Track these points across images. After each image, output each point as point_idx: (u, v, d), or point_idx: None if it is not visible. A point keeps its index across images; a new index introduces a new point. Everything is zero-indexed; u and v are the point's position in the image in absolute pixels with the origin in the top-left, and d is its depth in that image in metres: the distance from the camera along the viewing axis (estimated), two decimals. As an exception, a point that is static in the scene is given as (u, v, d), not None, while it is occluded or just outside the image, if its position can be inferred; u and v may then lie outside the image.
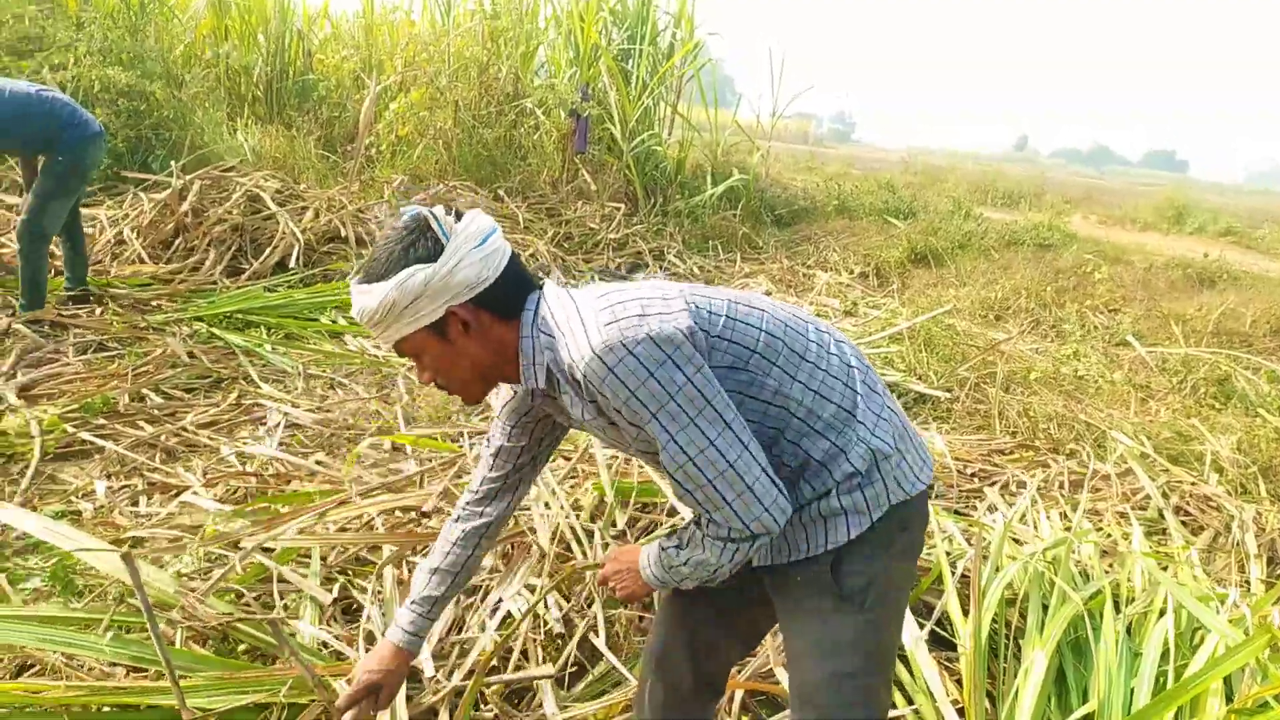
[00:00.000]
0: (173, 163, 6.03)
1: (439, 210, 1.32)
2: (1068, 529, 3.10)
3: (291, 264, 5.71)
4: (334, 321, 5.18)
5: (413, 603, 1.64)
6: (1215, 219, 14.44)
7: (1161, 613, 2.48)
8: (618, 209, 8.61)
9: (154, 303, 5.02)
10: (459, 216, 1.34)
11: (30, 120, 4.31)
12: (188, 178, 5.88)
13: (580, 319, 1.31)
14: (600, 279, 7.29)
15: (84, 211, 5.78)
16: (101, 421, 3.57)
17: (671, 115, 10.67)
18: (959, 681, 2.25)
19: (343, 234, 6.23)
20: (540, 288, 1.41)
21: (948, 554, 2.65)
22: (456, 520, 1.67)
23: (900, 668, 2.21)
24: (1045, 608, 2.46)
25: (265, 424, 3.78)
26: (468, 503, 1.67)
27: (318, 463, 3.42)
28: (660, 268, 7.88)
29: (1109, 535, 3.20)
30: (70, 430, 3.43)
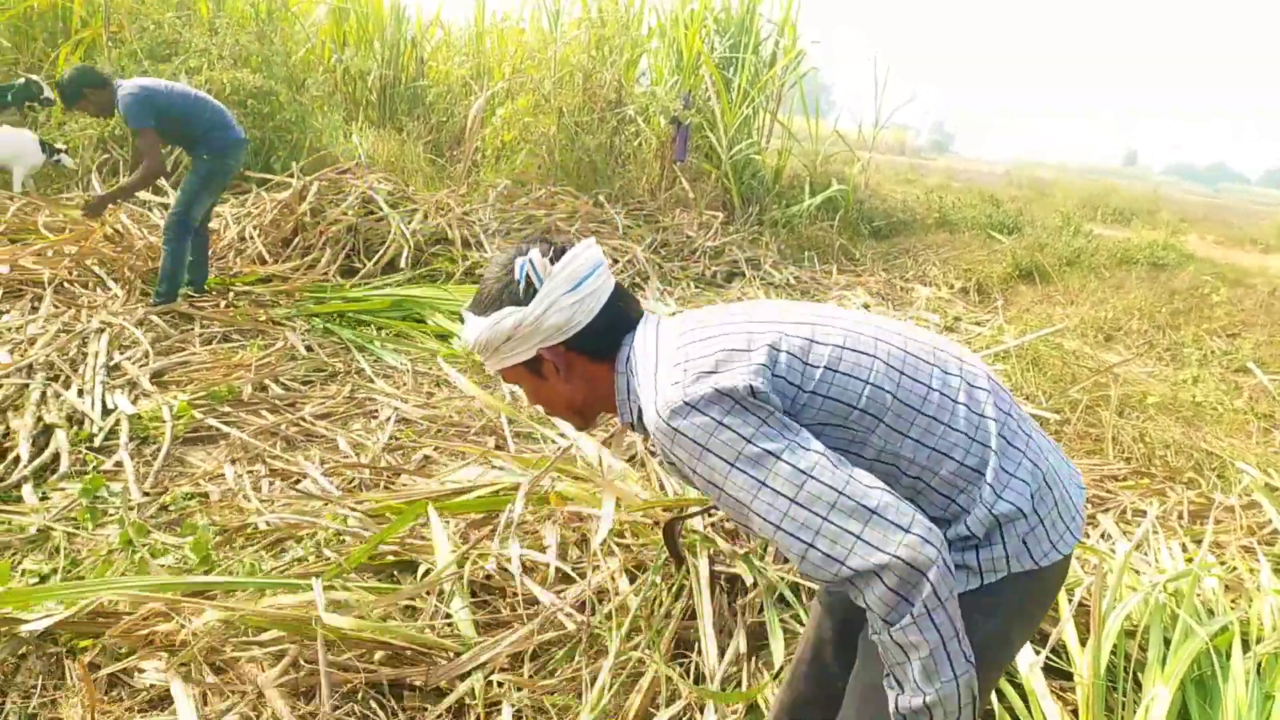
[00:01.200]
0: (294, 164, 6.31)
1: (535, 254, 1.29)
2: (1189, 561, 2.97)
3: (401, 264, 5.90)
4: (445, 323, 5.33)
5: None
6: (1346, 242, 13.62)
7: (1294, 654, 2.36)
8: (715, 217, 8.62)
9: (273, 298, 5.24)
10: (558, 256, 1.31)
11: (191, 120, 4.71)
12: (307, 179, 6.13)
13: (654, 375, 1.26)
14: (696, 286, 7.31)
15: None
16: (227, 409, 3.75)
17: (770, 124, 10.64)
18: (1074, 711, 2.19)
19: (449, 236, 6.40)
20: (635, 326, 1.37)
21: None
22: None
23: (1015, 696, 2.16)
24: (1167, 641, 2.36)
25: (377, 417, 3.92)
26: None
27: (425, 457, 3.53)
28: (757, 277, 7.86)
29: (1234, 570, 3.05)
30: (199, 416, 3.61)
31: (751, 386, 1.18)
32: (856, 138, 11.87)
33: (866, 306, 7.17)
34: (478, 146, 8.75)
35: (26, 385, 3.49)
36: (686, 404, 1.18)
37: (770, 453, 1.14)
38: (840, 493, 1.11)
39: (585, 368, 1.36)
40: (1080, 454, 4.44)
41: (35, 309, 4.46)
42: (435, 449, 3.61)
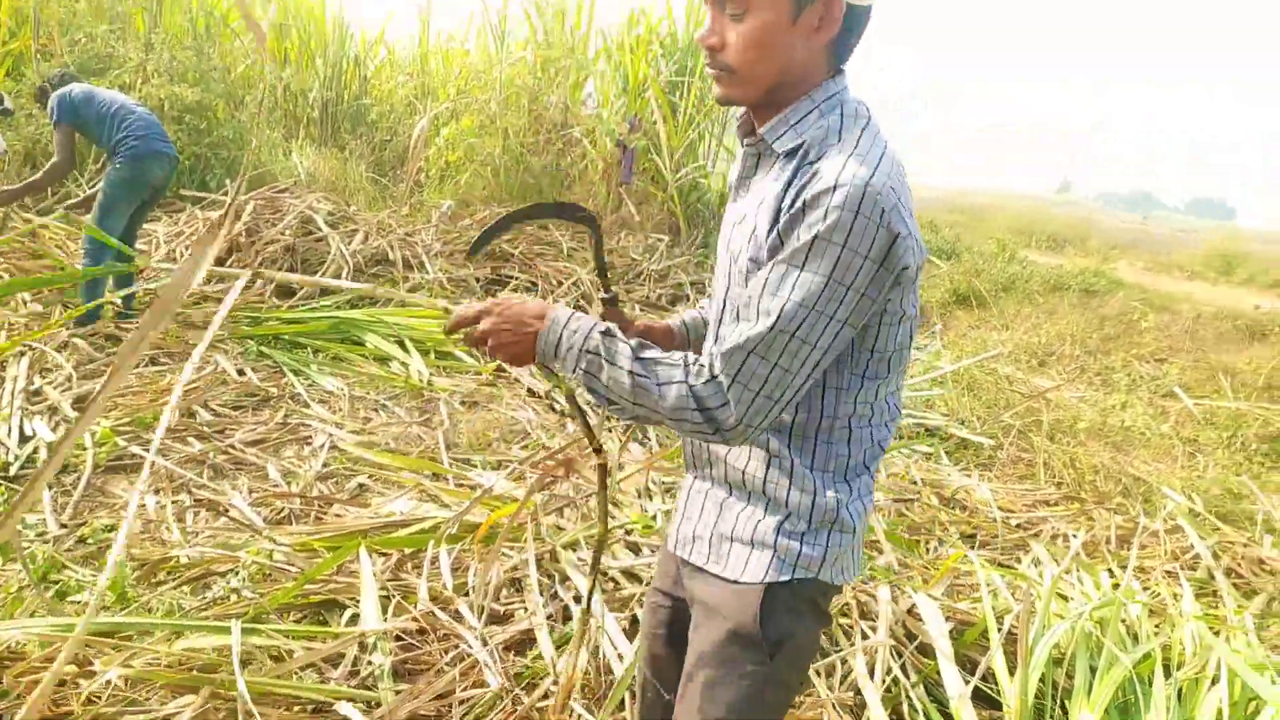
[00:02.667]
0: (228, 182, 6.18)
1: None
2: (1115, 586, 3.03)
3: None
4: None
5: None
6: (1266, 269, 14.16)
7: (1214, 680, 2.41)
8: (661, 240, 8.65)
9: (205, 319, 5.11)
10: None
11: (112, 123, 4.62)
12: (243, 197, 6.01)
13: (868, 142, 1.19)
14: (641, 309, 7.32)
15: (143, 227, 5.94)
16: (151, 436, 3.64)
17: (717, 148, 10.73)
18: (1003, 741, 2.21)
19: (390, 257, 6.32)
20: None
21: (993, 608, 2.60)
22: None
23: (944, 724, 2.18)
24: (1093, 669, 2.41)
25: (311, 444, 3.83)
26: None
27: (360, 486, 3.46)
28: (701, 301, 7.89)
29: (1157, 595, 3.13)
30: (121, 444, 3.50)
31: (910, 265, 1.17)
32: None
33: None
34: (421, 166, 8.67)
35: (-63, 412, 3.35)
36: (879, 204, 1.11)
37: (835, 273, 1.12)
38: (802, 342, 1.14)
39: (823, 50, 1.23)
40: (1013, 479, 4.53)
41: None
42: (370, 477, 3.54)
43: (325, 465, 3.62)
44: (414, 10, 9.82)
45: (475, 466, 3.77)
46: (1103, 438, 5.19)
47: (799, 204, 1.14)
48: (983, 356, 5.96)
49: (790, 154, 1.23)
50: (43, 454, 3.30)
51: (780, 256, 1.15)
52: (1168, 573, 3.40)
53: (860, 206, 1.10)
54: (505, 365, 1.34)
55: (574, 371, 1.20)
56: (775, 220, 1.19)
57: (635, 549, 2.76)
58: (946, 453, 4.82)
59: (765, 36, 1.18)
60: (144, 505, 3.05)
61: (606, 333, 1.20)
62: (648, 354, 1.19)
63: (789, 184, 1.19)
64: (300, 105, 9.47)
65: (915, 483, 4.12)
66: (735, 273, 1.29)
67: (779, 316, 1.13)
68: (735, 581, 1.31)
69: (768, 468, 1.30)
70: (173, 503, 3.10)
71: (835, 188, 1.11)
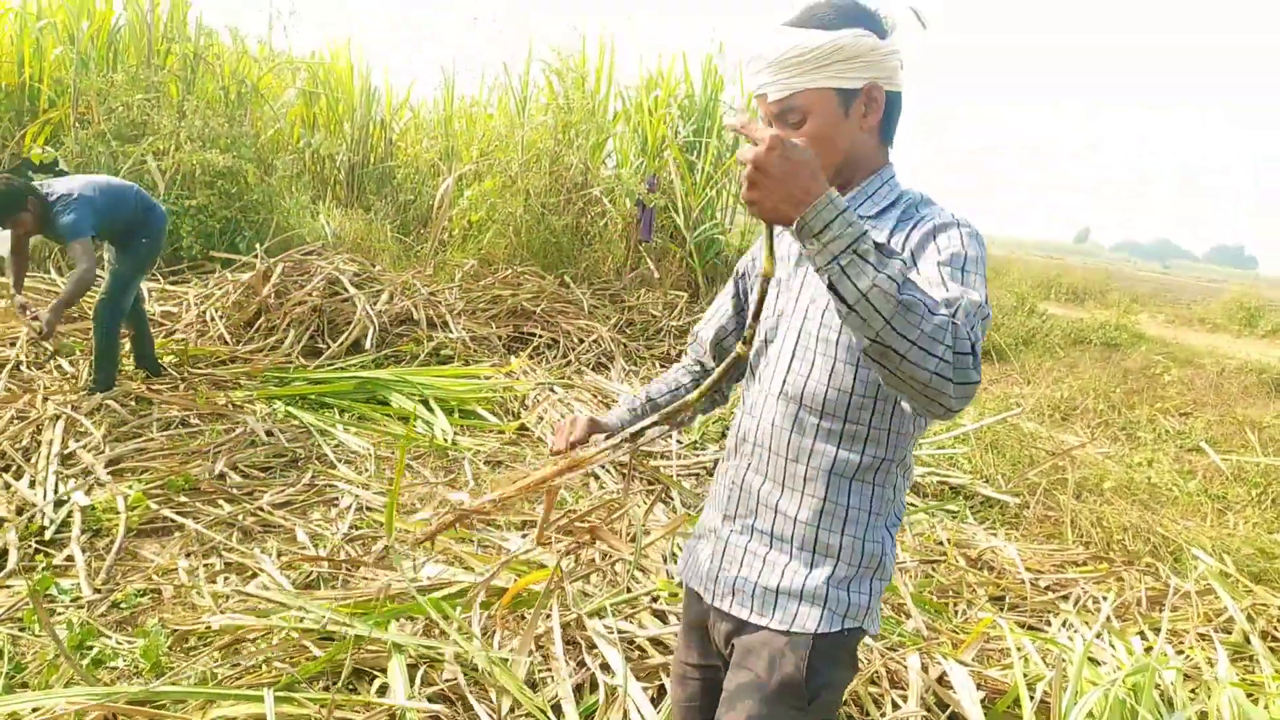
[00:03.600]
0: (258, 245, 6.32)
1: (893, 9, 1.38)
2: (1148, 650, 2.99)
3: (367, 345, 5.89)
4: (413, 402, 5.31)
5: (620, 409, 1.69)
6: (1290, 321, 14.09)
7: (1253, 750, 2.38)
8: (680, 296, 8.73)
9: (234, 381, 5.20)
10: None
11: (122, 206, 4.57)
12: (272, 260, 6.14)
13: (954, 213, 1.37)
14: (662, 366, 7.36)
15: (173, 289, 6.09)
16: (184, 499, 3.68)
17: (734, 204, 10.87)
18: (1039, 814, 2.17)
19: (415, 316, 6.42)
20: None
21: (1024, 675, 2.58)
22: (675, 368, 1.78)
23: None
24: (1128, 738, 2.37)
25: (338, 505, 3.87)
26: (687, 355, 1.79)
27: (386, 548, 3.48)
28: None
29: (1191, 660, 3.08)
30: (154, 507, 3.54)
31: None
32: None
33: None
34: (445, 226, 8.83)
35: (-25, 476, 3.42)
36: (985, 248, 1.34)
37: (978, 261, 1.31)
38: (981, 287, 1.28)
39: (874, 133, 1.40)
40: (1040, 538, 4.49)
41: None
42: (396, 539, 3.56)
43: (353, 527, 3.64)
44: (439, 75, 10.07)
45: (499, 528, 3.79)
46: (1129, 495, 5.14)
47: (927, 231, 1.32)
48: (1008, 415, 5.93)
49: (874, 216, 1.39)
50: (76, 518, 3.35)
51: (940, 259, 1.28)
52: (1201, 636, 3.34)
53: (979, 238, 1.31)
54: (751, 206, 1.17)
55: (828, 263, 1.11)
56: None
57: (662, 617, 2.76)
58: (972, 511, 4.79)
59: (825, 130, 1.34)
60: (175, 570, 3.08)
61: (879, 244, 1.14)
62: (915, 278, 1.21)
63: (892, 231, 1.36)
64: (328, 168, 9.69)
65: (941, 543, 4.09)
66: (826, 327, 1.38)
67: (981, 294, 1.25)
68: (785, 632, 1.36)
69: (820, 514, 1.37)
70: (203, 566, 3.13)
71: (957, 222, 1.32)
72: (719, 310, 1.72)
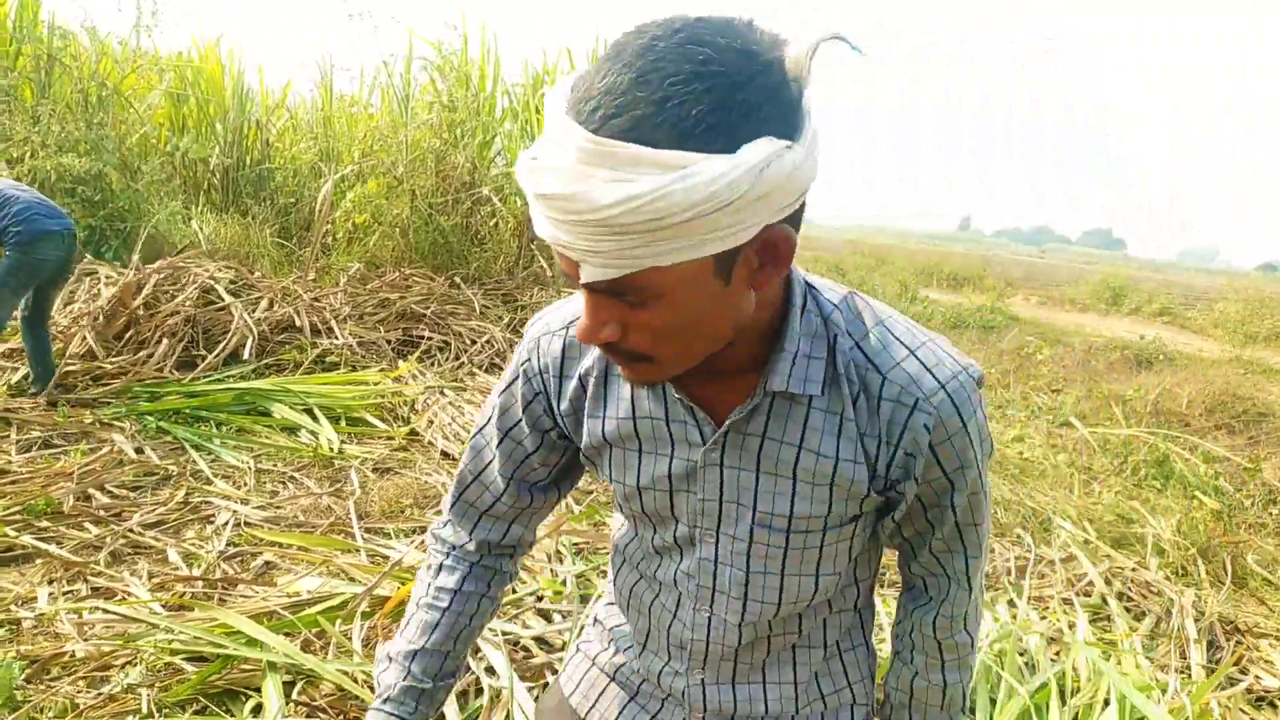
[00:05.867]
0: (124, 255, 6.04)
1: (805, 46, 0.69)
2: (1014, 617, 3.16)
3: (246, 355, 5.69)
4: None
5: (383, 703, 1.10)
6: (1151, 299, 15.01)
7: (1106, 703, 2.54)
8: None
9: (103, 398, 4.96)
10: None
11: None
12: (144, 269, 5.88)
13: (908, 330, 0.91)
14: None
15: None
16: (45, 523, 3.50)
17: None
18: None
19: (297, 323, 6.24)
20: None
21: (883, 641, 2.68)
22: (439, 572, 1.14)
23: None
24: (993, 701, 2.50)
25: (214, 522, 3.73)
26: (456, 547, 1.14)
27: (266, 563, 3.38)
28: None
29: (1054, 624, 3.27)
30: (11, 534, 3.35)
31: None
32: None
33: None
34: (328, 230, 8.60)
35: None
36: (981, 396, 0.91)
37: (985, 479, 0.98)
38: (982, 553, 1.04)
39: (780, 271, 0.79)
40: (920, 516, 4.67)
41: None
42: (276, 554, 3.46)
43: (230, 544, 3.52)
44: (315, 73, 9.80)
45: (389, 536, 3.73)
46: (1002, 470, 5.39)
47: (933, 461, 0.90)
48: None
49: (808, 393, 0.89)
50: (-77, 550, 3.15)
51: (959, 516, 0.96)
52: (1064, 600, 3.55)
53: (973, 399, 0.89)
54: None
55: None
56: (870, 456, 0.91)
57: (546, 616, 2.77)
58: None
59: (690, 316, 0.77)
60: (35, 598, 2.93)
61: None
62: (953, 677, 1.07)
63: (854, 408, 0.90)
64: (201, 172, 9.31)
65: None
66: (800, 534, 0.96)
67: (982, 540, 1.01)
68: None
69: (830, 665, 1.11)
70: (65, 594, 2.98)
71: (969, 434, 0.89)
72: (495, 459, 1.10)
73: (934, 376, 0.87)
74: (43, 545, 3.31)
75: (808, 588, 0.99)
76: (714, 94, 0.65)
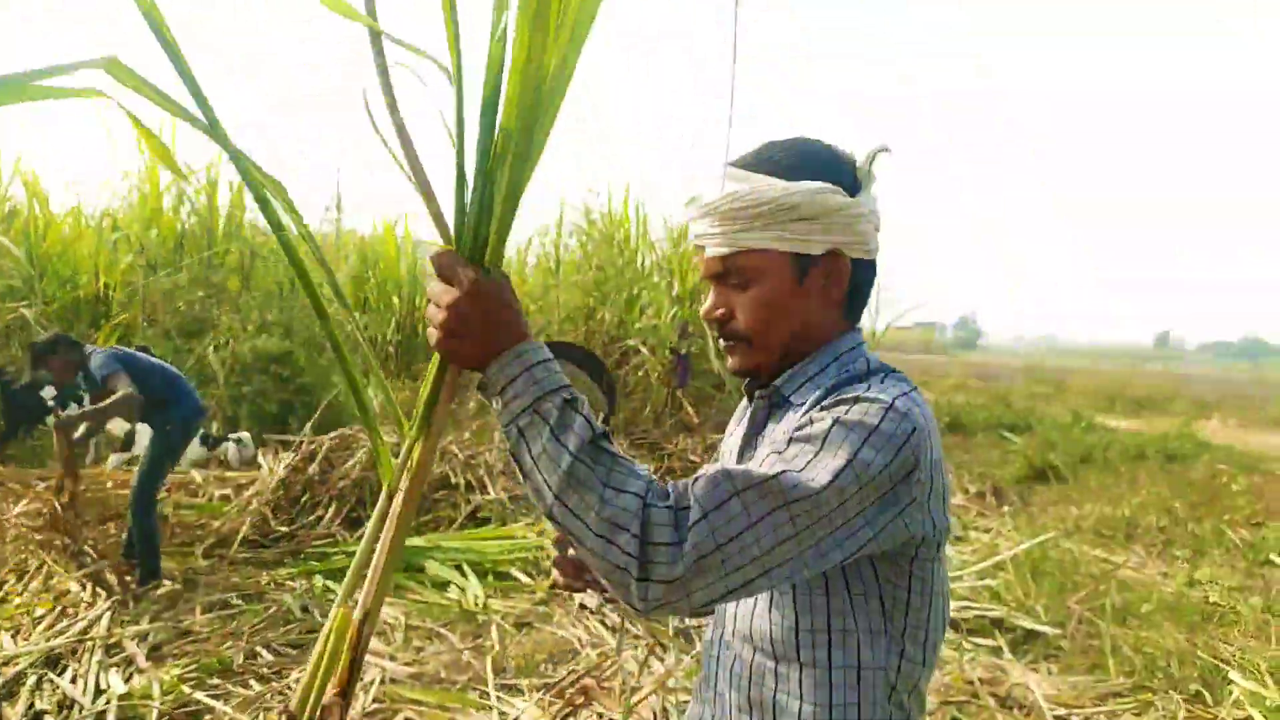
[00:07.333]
0: (305, 425, 6.69)
1: (876, 152, 1.15)
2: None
3: (405, 513, 6.09)
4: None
5: None
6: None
7: None
8: (719, 439, 8.82)
9: (277, 558, 5.42)
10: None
11: (157, 383, 4.82)
12: (318, 440, 6.48)
13: (904, 385, 1.09)
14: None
15: (228, 476, 6.43)
16: (216, 680, 3.83)
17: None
18: None
19: (453, 481, 6.63)
20: None
21: None
22: None
23: None
24: None
25: (363, 679, 3.96)
26: None
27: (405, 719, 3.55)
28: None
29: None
30: (187, 691, 3.69)
31: (918, 530, 1.06)
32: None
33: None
34: (486, 388, 9.16)
35: (22, 672, 3.63)
36: (910, 420, 1.02)
37: (849, 454, 0.97)
38: (772, 554, 0.95)
39: (836, 308, 1.17)
40: (1082, 669, 4.32)
41: (45, 584, 4.67)
42: (414, 711, 3.63)
43: (376, 700, 3.73)
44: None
45: (521, 693, 3.83)
46: (1182, 617, 4.92)
47: (827, 402, 1.06)
48: (1038, 540, 5.78)
49: (813, 404, 1.11)
50: (113, 707, 3.51)
51: (795, 437, 1.02)
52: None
53: (887, 413, 1.01)
54: (449, 356, 1.04)
55: (508, 424, 0.98)
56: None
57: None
58: (1015, 645, 4.63)
59: (774, 300, 1.13)
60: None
61: (571, 400, 0.97)
62: (608, 446, 0.97)
63: (810, 407, 1.10)
64: (380, 343, 10.25)
65: (972, 682, 3.98)
66: None
67: (785, 470, 0.97)
68: None
69: None
70: (224, 750, 3.24)
71: (861, 399, 1.03)
72: None
73: (865, 390, 1.06)
74: (211, 701, 3.63)
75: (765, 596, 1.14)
76: (793, 152, 1.13)
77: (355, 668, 1.10)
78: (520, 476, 0.98)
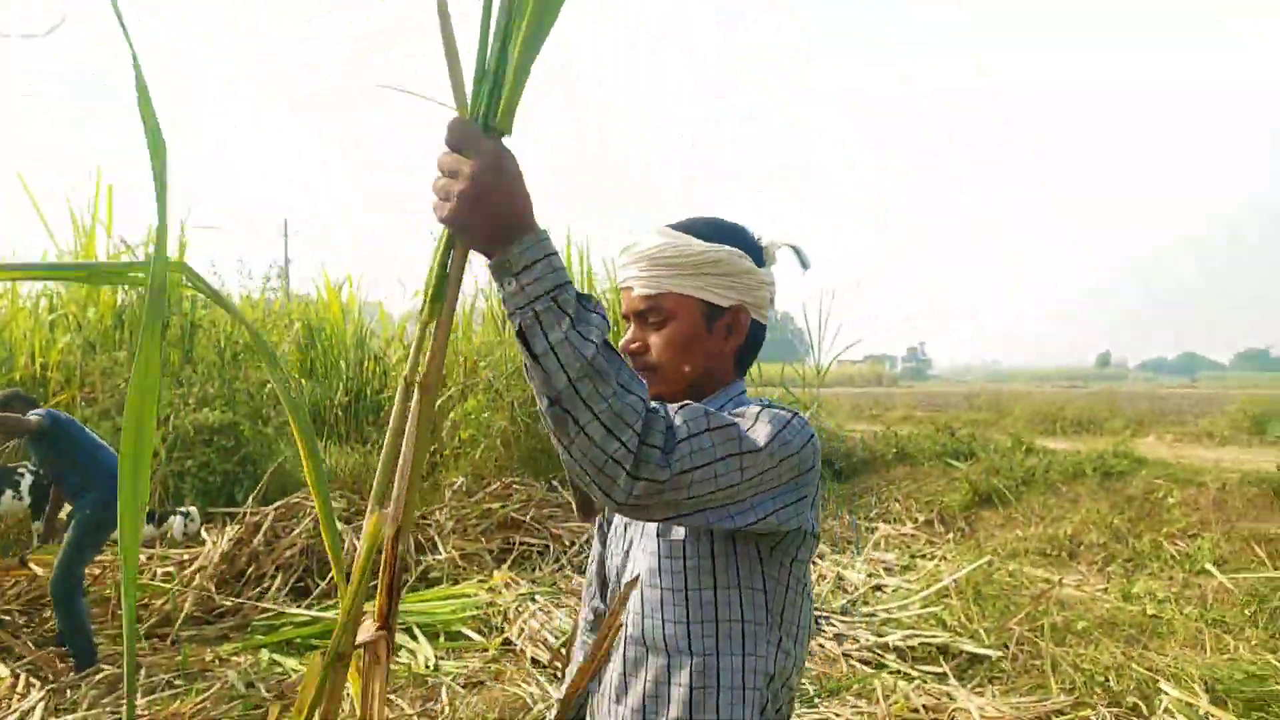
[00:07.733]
0: (249, 498, 6.62)
1: (780, 241, 1.41)
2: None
3: (354, 580, 6.03)
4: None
5: None
6: (1299, 421, 13.94)
7: None
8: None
9: (225, 633, 5.34)
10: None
11: (85, 460, 4.81)
12: (263, 510, 6.42)
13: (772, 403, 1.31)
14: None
15: (171, 553, 6.34)
16: (157, 764, 3.76)
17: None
18: None
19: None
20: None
21: None
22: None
23: None
24: None
25: (310, 751, 3.91)
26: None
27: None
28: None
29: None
30: (127, 776, 3.62)
31: (800, 525, 1.24)
32: (815, 375, 12.29)
33: (820, 557, 7.24)
34: (436, 448, 9.15)
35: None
36: (806, 428, 1.23)
37: (775, 472, 1.16)
38: (729, 483, 1.10)
39: (732, 356, 1.39)
40: (1025, 690, 4.41)
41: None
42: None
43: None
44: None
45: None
46: (1119, 631, 5.06)
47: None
48: (975, 565, 5.92)
49: None
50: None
51: (730, 413, 1.22)
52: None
53: (794, 418, 1.22)
54: (459, 230, 1.00)
55: (523, 307, 0.99)
56: None
57: None
58: (960, 670, 4.72)
59: (685, 339, 1.33)
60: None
61: (583, 296, 1.03)
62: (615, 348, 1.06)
63: None
64: (326, 408, 10.17)
65: (917, 710, 4.05)
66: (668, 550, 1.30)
67: (738, 423, 1.15)
68: None
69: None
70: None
71: (770, 406, 1.24)
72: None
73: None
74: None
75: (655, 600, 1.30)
76: (714, 224, 1.36)
77: (394, 595, 1.04)
78: (526, 359, 1.00)
